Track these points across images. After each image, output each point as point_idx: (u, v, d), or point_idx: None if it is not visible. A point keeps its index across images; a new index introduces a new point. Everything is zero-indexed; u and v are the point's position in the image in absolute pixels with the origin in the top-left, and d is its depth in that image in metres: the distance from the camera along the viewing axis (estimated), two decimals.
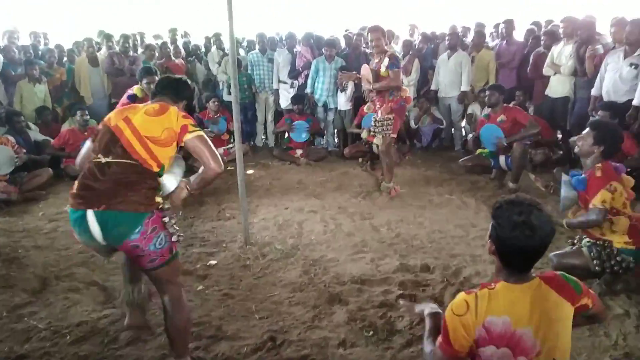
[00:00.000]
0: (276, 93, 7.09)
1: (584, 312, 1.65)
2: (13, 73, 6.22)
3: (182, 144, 2.26)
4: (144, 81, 4.02)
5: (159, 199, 2.24)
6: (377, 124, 4.89)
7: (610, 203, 2.78)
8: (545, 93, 5.76)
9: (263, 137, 7.46)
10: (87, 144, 2.42)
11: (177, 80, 2.51)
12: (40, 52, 6.90)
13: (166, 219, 2.22)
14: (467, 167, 5.60)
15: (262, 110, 7.23)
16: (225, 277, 3.33)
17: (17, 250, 3.77)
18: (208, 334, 2.66)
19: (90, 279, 3.31)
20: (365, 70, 4.83)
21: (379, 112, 4.89)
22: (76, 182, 2.21)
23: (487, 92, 5.29)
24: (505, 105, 5.12)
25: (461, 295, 1.62)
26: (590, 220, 2.81)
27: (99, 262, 3.56)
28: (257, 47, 7.11)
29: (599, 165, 2.84)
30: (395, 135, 4.89)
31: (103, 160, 2.17)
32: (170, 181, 2.35)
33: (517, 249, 1.57)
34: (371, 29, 4.73)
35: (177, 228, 2.27)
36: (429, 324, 1.84)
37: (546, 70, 5.68)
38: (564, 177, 3.00)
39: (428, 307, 1.95)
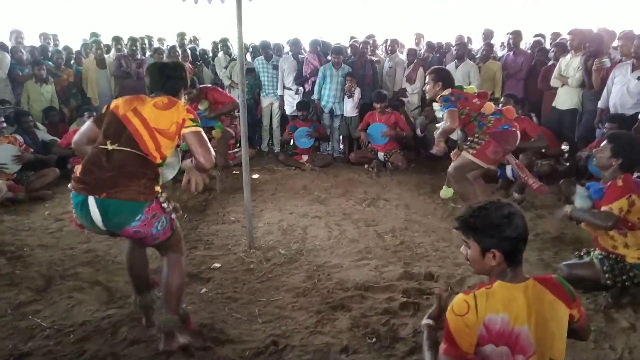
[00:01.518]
0: (281, 99, 7.12)
1: (570, 322, 1.66)
2: (20, 73, 6.27)
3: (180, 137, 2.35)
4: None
5: (158, 188, 2.30)
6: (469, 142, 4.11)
7: (626, 214, 2.74)
8: (553, 105, 5.76)
9: (269, 142, 7.47)
10: (88, 124, 2.44)
11: (167, 79, 2.47)
12: (49, 54, 6.96)
13: (165, 204, 2.31)
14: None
15: (267, 116, 7.25)
16: (229, 281, 3.33)
17: (22, 249, 3.78)
18: (211, 336, 2.66)
19: (95, 278, 3.32)
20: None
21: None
22: (80, 166, 2.27)
23: (503, 99, 5.30)
24: (517, 115, 5.08)
25: (460, 296, 1.64)
26: (598, 220, 2.74)
27: (104, 263, 3.57)
28: (261, 54, 7.13)
29: (621, 176, 2.80)
30: (476, 160, 3.97)
31: (110, 147, 2.22)
32: (168, 171, 2.49)
33: (520, 236, 1.63)
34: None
35: (173, 205, 2.39)
36: (427, 333, 1.85)
37: (554, 81, 5.68)
38: (579, 189, 2.97)
39: (424, 319, 1.95)
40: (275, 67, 7.01)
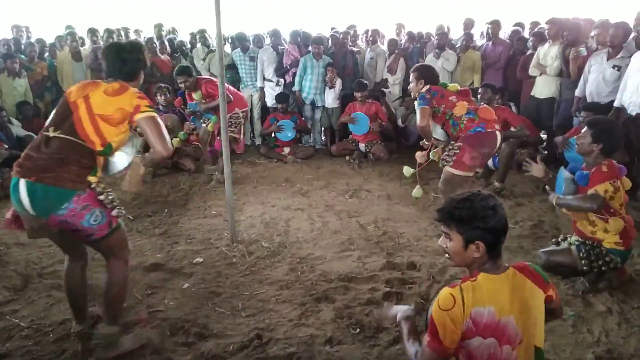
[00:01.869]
0: (261, 91, 7.06)
1: (548, 303, 1.69)
2: None
3: (135, 124, 2.30)
4: (179, 80, 4.17)
5: (91, 178, 2.25)
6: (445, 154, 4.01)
7: (610, 200, 2.80)
8: (532, 93, 5.82)
9: (250, 135, 7.40)
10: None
11: (123, 62, 2.40)
12: (22, 46, 6.77)
13: (102, 197, 2.26)
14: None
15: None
16: (212, 275, 3.31)
17: (7, 246, 3.70)
18: (194, 331, 2.64)
19: None
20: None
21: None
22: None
23: (480, 90, 5.32)
24: (497, 105, 5.13)
25: (445, 290, 1.62)
26: (585, 203, 2.79)
27: None
28: (237, 46, 7.04)
29: (605, 162, 2.86)
30: (456, 171, 3.84)
31: (51, 134, 2.22)
32: (121, 158, 2.40)
33: (503, 228, 1.63)
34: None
35: (116, 203, 2.32)
36: (406, 326, 1.82)
37: (532, 70, 5.74)
38: (565, 174, 3.00)
39: (401, 311, 1.91)
40: (253, 59, 6.93)
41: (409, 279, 3.22)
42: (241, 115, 5.64)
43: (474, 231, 1.62)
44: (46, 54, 6.95)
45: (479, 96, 5.29)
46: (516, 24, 7.17)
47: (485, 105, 4.20)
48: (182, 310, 2.85)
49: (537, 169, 3.07)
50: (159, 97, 6.01)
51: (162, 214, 4.53)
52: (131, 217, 4.38)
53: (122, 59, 2.40)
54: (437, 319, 1.60)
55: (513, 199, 4.78)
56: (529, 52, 6.09)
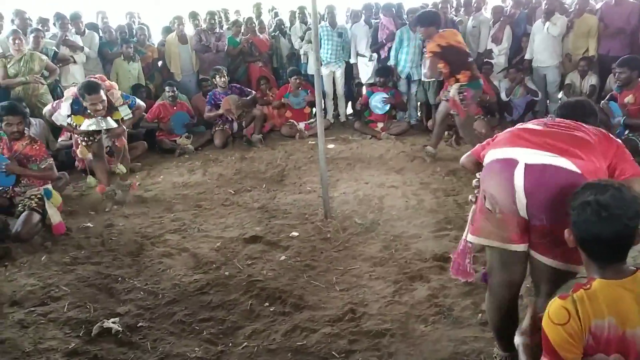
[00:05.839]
0: (355, 67, 6.96)
1: None
2: (110, 52, 6.64)
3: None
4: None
5: None
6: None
7: None
8: None
9: (335, 113, 7.36)
10: None
11: None
12: (134, 31, 7.27)
13: None
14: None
15: (329, 85, 7.09)
16: (307, 249, 3.39)
17: (117, 217, 4.09)
18: (290, 302, 2.73)
19: (182, 245, 3.51)
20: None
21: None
22: None
23: (617, 69, 4.48)
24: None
25: (556, 302, 1.42)
26: None
27: (190, 230, 3.77)
28: (326, 19, 6.95)
29: None
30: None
31: None
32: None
33: (593, 234, 1.39)
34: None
35: None
36: (522, 355, 1.55)
37: None
38: None
39: (517, 335, 1.60)
40: (340, 35, 6.82)
41: None
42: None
43: (572, 227, 1.45)
44: (150, 38, 7.35)
45: (615, 76, 4.54)
46: None
47: None
48: (280, 281, 2.96)
49: None
50: (218, 79, 6.13)
51: (260, 188, 4.71)
52: (232, 192, 4.61)
53: None
54: (552, 335, 1.39)
55: None
56: None
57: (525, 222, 1.79)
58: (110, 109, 4.26)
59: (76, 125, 4.23)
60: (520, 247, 1.84)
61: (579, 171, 1.67)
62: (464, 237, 2.18)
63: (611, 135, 1.88)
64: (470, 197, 2.16)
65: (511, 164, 1.78)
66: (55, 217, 3.69)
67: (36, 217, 3.61)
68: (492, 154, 1.91)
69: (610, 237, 1.38)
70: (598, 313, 1.37)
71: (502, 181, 1.79)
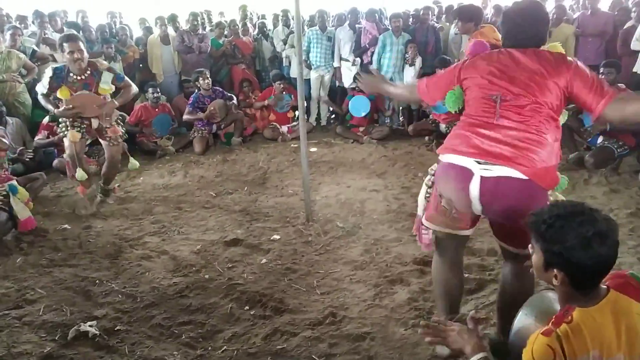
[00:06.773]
0: (338, 71, 6.99)
1: None
2: (90, 51, 6.53)
3: None
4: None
5: None
6: None
7: None
8: (634, 70, 5.30)
9: (317, 117, 7.38)
10: None
11: None
12: (114, 31, 7.17)
13: None
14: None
15: (316, 89, 7.13)
16: (288, 252, 3.38)
17: (95, 219, 4.02)
18: (271, 305, 2.72)
19: (162, 248, 3.48)
20: None
21: None
22: None
23: (603, 70, 4.60)
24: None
25: (540, 339, 1.36)
26: None
27: (169, 233, 3.73)
28: (316, 24, 6.97)
29: None
30: None
31: None
32: None
33: (597, 265, 1.34)
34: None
35: None
36: None
37: (634, 44, 5.22)
38: None
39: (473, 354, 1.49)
40: (330, 39, 6.86)
41: (488, 265, 3.10)
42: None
43: (555, 256, 1.37)
44: (133, 38, 7.27)
45: (602, 77, 4.70)
46: None
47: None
48: (260, 285, 2.95)
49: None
50: (201, 81, 6.08)
51: (241, 191, 4.69)
52: (213, 194, 4.58)
53: None
54: None
55: (608, 185, 4.42)
56: (631, 24, 5.52)
57: (477, 215, 2.04)
58: (93, 75, 4.06)
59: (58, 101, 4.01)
60: (469, 232, 2.14)
61: (526, 177, 1.82)
62: (419, 213, 2.37)
63: (567, 58, 1.97)
64: (426, 180, 2.38)
65: (467, 175, 1.90)
66: (23, 212, 3.59)
67: (2, 215, 3.51)
68: (448, 158, 2.02)
69: (612, 263, 1.36)
70: (583, 348, 1.33)
71: (459, 192, 1.94)
